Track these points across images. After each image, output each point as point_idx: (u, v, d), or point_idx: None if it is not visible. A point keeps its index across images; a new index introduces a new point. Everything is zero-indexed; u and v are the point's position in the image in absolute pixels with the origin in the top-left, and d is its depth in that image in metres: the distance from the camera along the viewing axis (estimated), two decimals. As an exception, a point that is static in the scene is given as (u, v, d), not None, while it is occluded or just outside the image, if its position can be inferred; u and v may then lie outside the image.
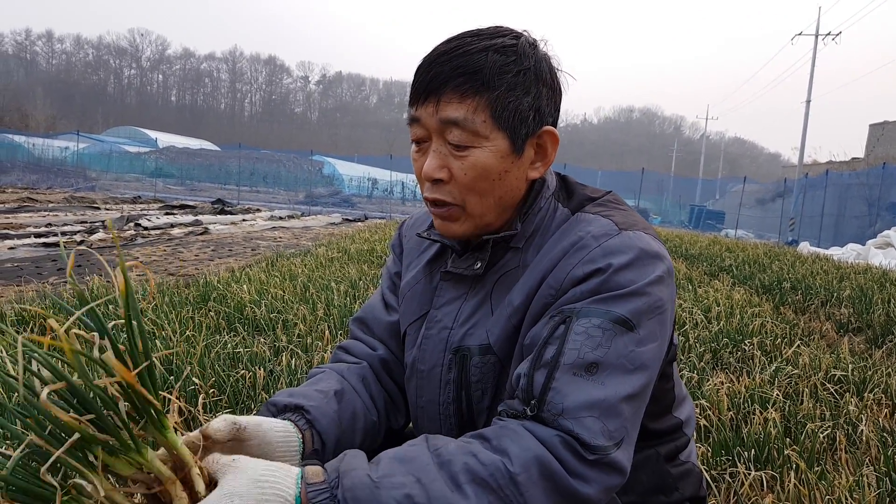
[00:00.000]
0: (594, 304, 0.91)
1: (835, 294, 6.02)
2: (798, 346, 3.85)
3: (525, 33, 1.01)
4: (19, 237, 8.71)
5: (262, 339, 3.43)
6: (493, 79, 0.94)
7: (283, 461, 0.91)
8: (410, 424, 1.22)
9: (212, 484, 0.79)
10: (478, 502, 0.79)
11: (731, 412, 2.62)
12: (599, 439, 0.84)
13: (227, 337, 3.27)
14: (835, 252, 14.41)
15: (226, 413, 0.88)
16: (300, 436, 0.96)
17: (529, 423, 0.87)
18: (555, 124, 1.04)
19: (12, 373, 0.72)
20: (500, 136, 0.97)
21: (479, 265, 1.06)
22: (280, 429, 0.93)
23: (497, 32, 0.99)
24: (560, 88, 1.04)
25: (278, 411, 1.01)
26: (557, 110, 1.04)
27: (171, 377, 2.59)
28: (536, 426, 0.86)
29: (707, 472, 2.14)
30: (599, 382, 0.87)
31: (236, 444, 0.87)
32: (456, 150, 0.97)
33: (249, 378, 2.64)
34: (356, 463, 0.82)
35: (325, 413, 1.02)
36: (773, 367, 3.33)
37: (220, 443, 0.86)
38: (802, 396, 2.93)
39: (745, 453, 2.25)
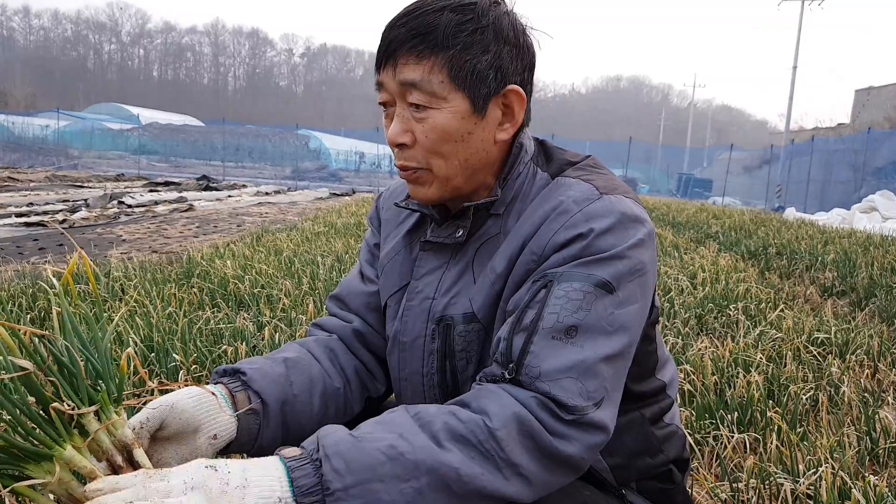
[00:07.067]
0: (576, 268, 0.90)
1: (819, 258, 6.06)
2: (782, 309, 3.88)
3: None
4: (0, 217, 8.58)
5: (245, 315, 3.41)
6: (448, 38, 0.93)
7: (205, 419, 0.92)
8: (392, 396, 1.22)
9: None
10: (461, 457, 0.80)
11: (715, 376, 2.63)
12: (576, 399, 0.85)
13: (209, 313, 3.24)
14: (820, 217, 14.52)
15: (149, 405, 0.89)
16: (229, 397, 0.98)
17: (507, 386, 0.88)
18: (524, 84, 1.01)
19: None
20: (459, 97, 0.95)
21: (460, 233, 1.05)
22: (194, 394, 0.93)
23: None
24: (528, 47, 1.01)
25: (218, 376, 1.03)
26: (527, 70, 1.01)
27: (153, 354, 2.57)
28: (514, 388, 0.87)
29: (691, 435, 2.15)
30: (578, 345, 0.87)
31: (161, 431, 0.89)
32: (416, 112, 0.96)
33: (232, 353, 2.61)
34: (334, 429, 0.83)
35: (265, 374, 1.03)
36: (758, 332, 3.35)
37: (155, 440, 0.89)
38: (786, 359, 2.95)
39: (729, 416, 2.27)
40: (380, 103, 1.01)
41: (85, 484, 0.74)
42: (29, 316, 3.18)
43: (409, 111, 0.97)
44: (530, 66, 1.02)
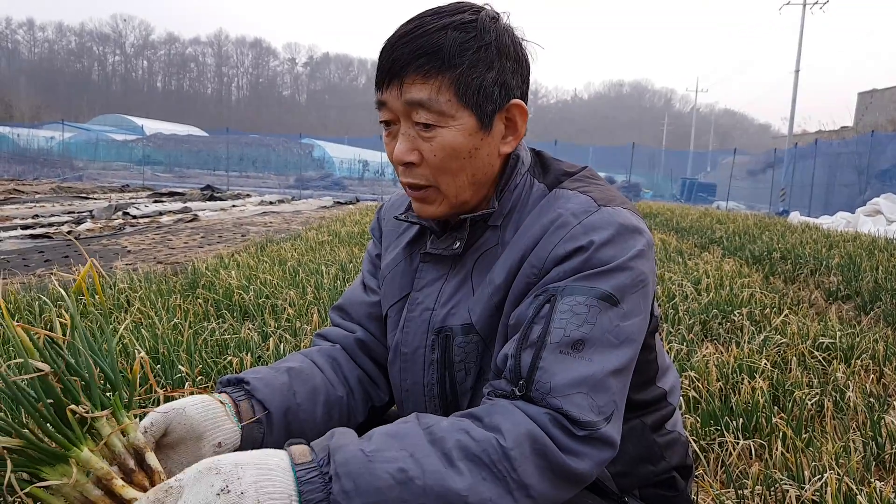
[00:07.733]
0: (578, 281, 0.91)
1: (824, 262, 6.04)
2: (786, 315, 3.87)
3: (486, 7, 1.00)
4: (5, 229, 8.63)
5: (250, 325, 3.42)
6: (454, 57, 0.94)
7: (209, 426, 0.93)
8: (394, 407, 1.23)
9: None
10: (472, 478, 0.79)
11: (719, 383, 2.63)
12: (589, 415, 0.85)
13: (214, 324, 3.25)
14: (825, 221, 14.47)
15: (154, 412, 0.90)
16: (233, 406, 0.99)
17: (519, 402, 0.88)
18: (523, 96, 1.03)
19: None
20: (466, 114, 0.96)
21: (458, 245, 1.06)
22: (198, 402, 0.95)
23: (457, 9, 0.97)
24: (526, 60, 1.03)
25: (222, 386, 1.05)
26: (525, 82, 1.03)
27: (158, 366, 2.58)
28: (526, 405, 0.87)
29: (696, 442, 2.15)
30: (586, 359, 0.88)
31: (166, 437, 0.90)
32: (424, 131, 0.97)
33: (237, 364, 2.62)
34: (346, 439, 0.82)
35: (268, 383, 1.05)
36: (762, 337, 3.35)
37: (159, 447, 0.90)
38: (790, 365, 2.94)
39: (734, 423, 2.26)
40: (381, 122, 1.01)
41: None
42: (35, 328, 3.19)
43: (416, 130, 0.97)
44: (527, 79, 1.04)
